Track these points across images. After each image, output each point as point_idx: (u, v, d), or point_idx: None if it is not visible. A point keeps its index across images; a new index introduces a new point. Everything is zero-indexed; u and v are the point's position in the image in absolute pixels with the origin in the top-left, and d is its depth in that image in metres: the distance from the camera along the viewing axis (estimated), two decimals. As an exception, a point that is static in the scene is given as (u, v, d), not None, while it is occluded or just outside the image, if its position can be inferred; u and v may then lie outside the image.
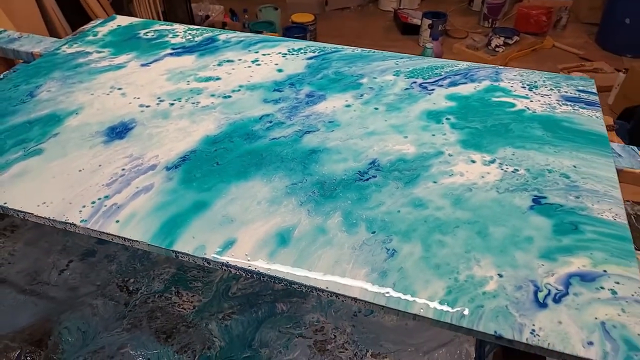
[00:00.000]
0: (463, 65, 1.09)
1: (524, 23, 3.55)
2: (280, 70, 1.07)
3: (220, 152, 0.83)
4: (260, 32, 3.24)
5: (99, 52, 1.15)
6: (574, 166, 0.79)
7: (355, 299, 0.60)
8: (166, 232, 0.68)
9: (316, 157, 0.82)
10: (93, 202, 0.73)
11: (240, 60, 1.11)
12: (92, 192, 0.75)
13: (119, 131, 0.88)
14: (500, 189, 0.75)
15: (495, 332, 0.56)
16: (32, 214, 0.71)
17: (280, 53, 1.14)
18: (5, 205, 0.73)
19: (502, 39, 3.28)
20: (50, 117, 0.92)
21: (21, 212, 0.72)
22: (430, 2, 4.14)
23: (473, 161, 0.81)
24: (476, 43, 3.37)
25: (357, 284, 0.61)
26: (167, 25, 1.27)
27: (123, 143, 0.85)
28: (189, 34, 1.23)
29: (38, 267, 1.31)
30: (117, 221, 0.70)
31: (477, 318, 0.57)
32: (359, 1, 4.16)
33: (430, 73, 1.05)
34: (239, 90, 1.00)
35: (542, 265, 0.63)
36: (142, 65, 1.09)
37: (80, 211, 0.71)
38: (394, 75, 1.05)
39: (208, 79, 1.04)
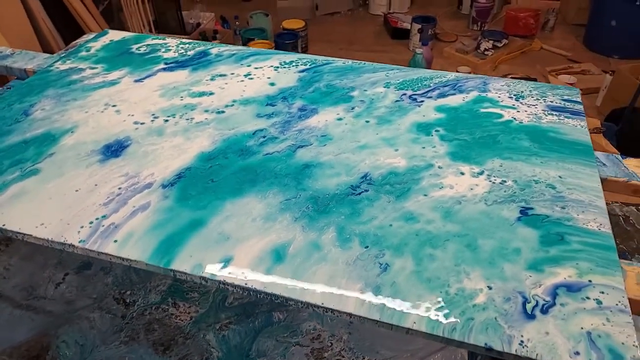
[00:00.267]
0: (452, 75, 1.11)
1: (513, 26, 3.59)
2: (272, 84, 1.09)
3: (215, 168, 0.85)
4: (252, 39, 3.25)
5: (92, 68, 1.16)
6: (560, 177, 0.81)
7: (350, 314, 0.62)
8: (164, 251, 0.69)
9: (309, 172, 0.84)
10: (91, 222, 0.74)
11: (232, 74, 1.12)
12: (90, 212, 0.76)
13: (114, 149, 0.89)
14: (488, 200, 0.77)
15: (485, 344, 0.58)
16: (31, 235, 0.72)
17: (272, 66, 1.15)
18: (4, 227, 0.74)
19: (491, 42, 3.31)
20: (45, 136, 0.93)
21: (20, 233, 0.73)
22: (419, 6, 4.17)
23: (462, 173, 0.83)
24: (465, 47, 3.41)
25: (351, 300, 0.63)
26: (160, 39, 1.28)
27: (119, 161, 0.86)
28: (182, 47, 1.24)
29: (34, 282, 1.32)
30: (115, 241, 0.71)
31: (468, 331, 0.59)
32: (349, 5, 4.18)
33: (420, 84, 1.08)
34: (232, 105, 1.02)
35: (530, 276, 0.65)
36: (136, 81, 1.10)
37: (79, 232, 0.72)
38: (384, 87, 1.07)
39: (201, 94, 1.05)
